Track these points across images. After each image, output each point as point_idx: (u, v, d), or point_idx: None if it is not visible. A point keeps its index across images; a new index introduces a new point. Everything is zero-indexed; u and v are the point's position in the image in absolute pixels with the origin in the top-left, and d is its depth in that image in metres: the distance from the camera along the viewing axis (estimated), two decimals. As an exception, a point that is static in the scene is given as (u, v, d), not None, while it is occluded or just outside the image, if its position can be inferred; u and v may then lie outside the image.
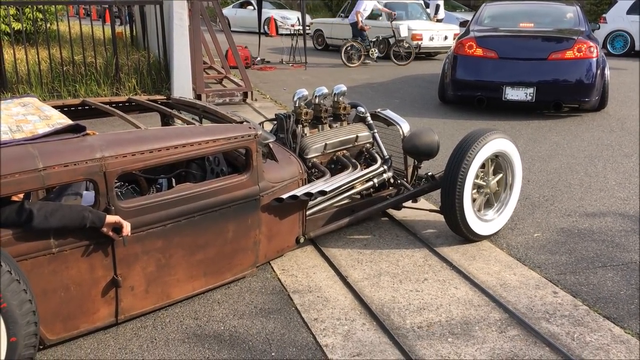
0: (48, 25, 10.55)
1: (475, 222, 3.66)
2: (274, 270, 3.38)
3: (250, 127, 3.07)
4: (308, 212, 3.50)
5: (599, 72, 7.52)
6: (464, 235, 3.69)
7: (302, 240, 3.50)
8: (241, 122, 3.14)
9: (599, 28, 13.22)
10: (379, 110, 4.30)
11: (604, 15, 16.04)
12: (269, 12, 20.38)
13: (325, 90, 4.02)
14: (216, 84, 9.74)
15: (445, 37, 14.37)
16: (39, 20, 10.96)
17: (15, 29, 9.88)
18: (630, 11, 14.99)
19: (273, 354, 2.61)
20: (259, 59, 12.93)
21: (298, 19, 14.62)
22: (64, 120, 2.69)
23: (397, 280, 3.29)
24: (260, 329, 2.81)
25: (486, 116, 7.71)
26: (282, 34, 14.50)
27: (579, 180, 5.08)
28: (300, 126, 3.82)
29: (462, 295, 3.12)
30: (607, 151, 6.04)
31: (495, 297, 3.08)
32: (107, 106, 3.40)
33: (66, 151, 2.43)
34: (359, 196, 3.92)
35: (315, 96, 3.98)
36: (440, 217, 3.83)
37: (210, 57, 11.06)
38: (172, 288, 2.90)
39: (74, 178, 2.45)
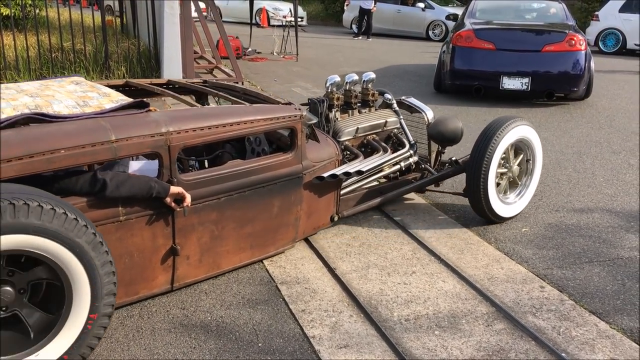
0: (37, 11, 10.41)
1: (498, 205, 3.83)
2: (262, 261, 3.37)
3: (296, 108, 3.20)
4: (341, 193, 3.62)
5: (587, 64, 8.00)
6: (487, 217, 3.87)
7: (336, 218, 3.62)
8: (287, 104, 3.27)
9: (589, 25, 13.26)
10: (403, 97, 4.47)
11: (596, 12, 16.10)
12: (261, 2, 20.25)
13: (355, 77, 4.18)
14: (207, 73, 9.65)
15: None
16: (27, 6, 10.82)
17: (4, 14, 9.74)
18: (623, 9, 15.06)
19: (260, 344, 2.61)
20: (250, 49, 12.86)
21: (290, 11, 14.61)
22: (123, 97, 2.79)
23: (385, 272, 3.29)
24: (247, 319, 2.80)
25: (480, 105, 7.83)
26: (273, 25, 14.53)
27: (567, 176, 5.11)
28: (332, 110, 3.95)
29: (449, 288, 3.13)
30: (595, 148, 6.07)
31: (483, 291, 3.09)
32: (154, 86, 3.53)
33: (134, 125, 2.55)
34: (384, 179, 4.06)
35: (346, 82, 4.14)
36: (429, 211, 3.84)
37: (201, 46, 10.98)
38: (222, 258, 3.04)
39: (141, 150, 2.56)
